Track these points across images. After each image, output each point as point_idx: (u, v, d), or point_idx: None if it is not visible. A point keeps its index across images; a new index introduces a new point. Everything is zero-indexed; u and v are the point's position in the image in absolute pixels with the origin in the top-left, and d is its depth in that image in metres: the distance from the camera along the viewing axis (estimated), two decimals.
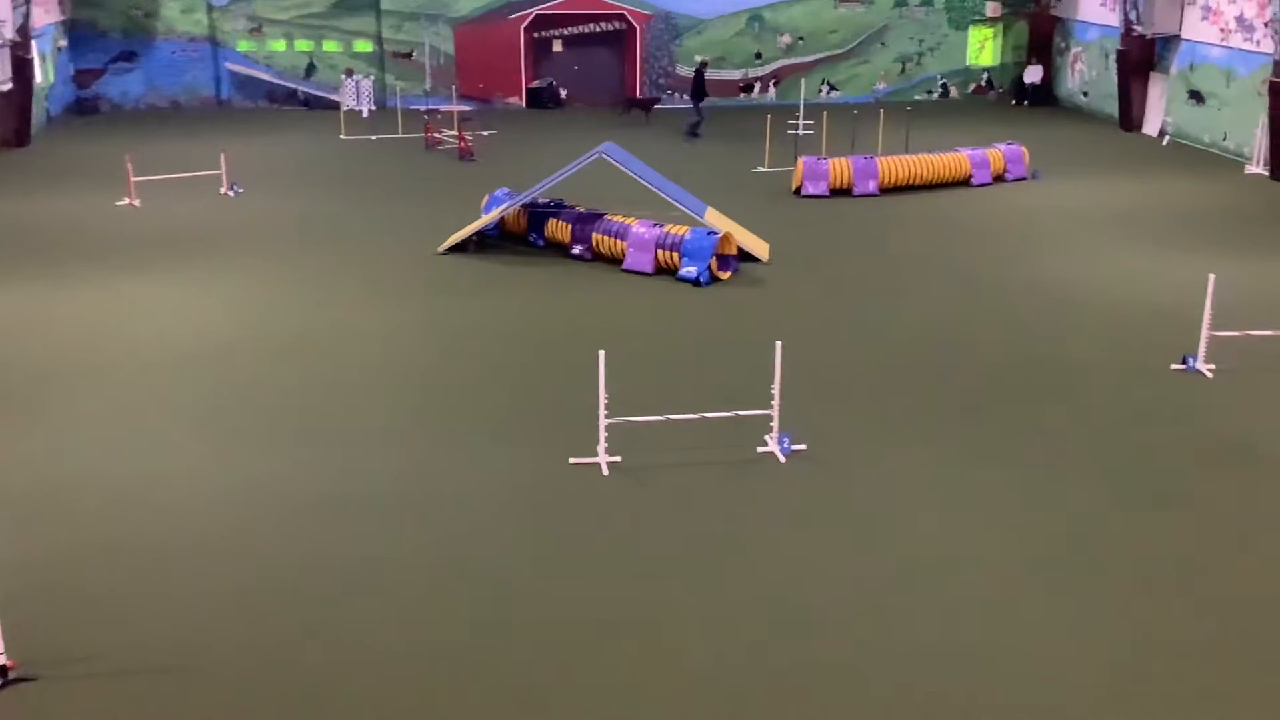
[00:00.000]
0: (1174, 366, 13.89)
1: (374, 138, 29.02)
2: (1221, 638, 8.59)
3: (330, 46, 33.51)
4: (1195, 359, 13.82)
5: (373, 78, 33.36)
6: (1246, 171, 25.62)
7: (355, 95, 32.92)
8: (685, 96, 31.68)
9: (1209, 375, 13.62)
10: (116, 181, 22.64)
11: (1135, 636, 8.59)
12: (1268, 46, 25.49)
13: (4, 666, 7.94)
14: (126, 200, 21.76)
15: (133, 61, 32.86)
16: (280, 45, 33.33)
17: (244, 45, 33.17)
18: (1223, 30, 27.48)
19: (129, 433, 11.93)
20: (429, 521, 10.21)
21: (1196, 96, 28.54)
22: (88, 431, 11.95)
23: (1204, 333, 13.74)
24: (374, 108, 32.97)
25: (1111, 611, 8.92)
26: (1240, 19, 26.82)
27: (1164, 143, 29.22)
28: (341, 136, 29.02)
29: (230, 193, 22.67)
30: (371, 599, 9.03)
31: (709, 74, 32.28)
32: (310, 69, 33.51)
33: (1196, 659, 8.33)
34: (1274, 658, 8.36)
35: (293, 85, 33.35)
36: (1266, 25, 25.71)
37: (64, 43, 31.71)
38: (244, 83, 33.36)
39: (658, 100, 28.94)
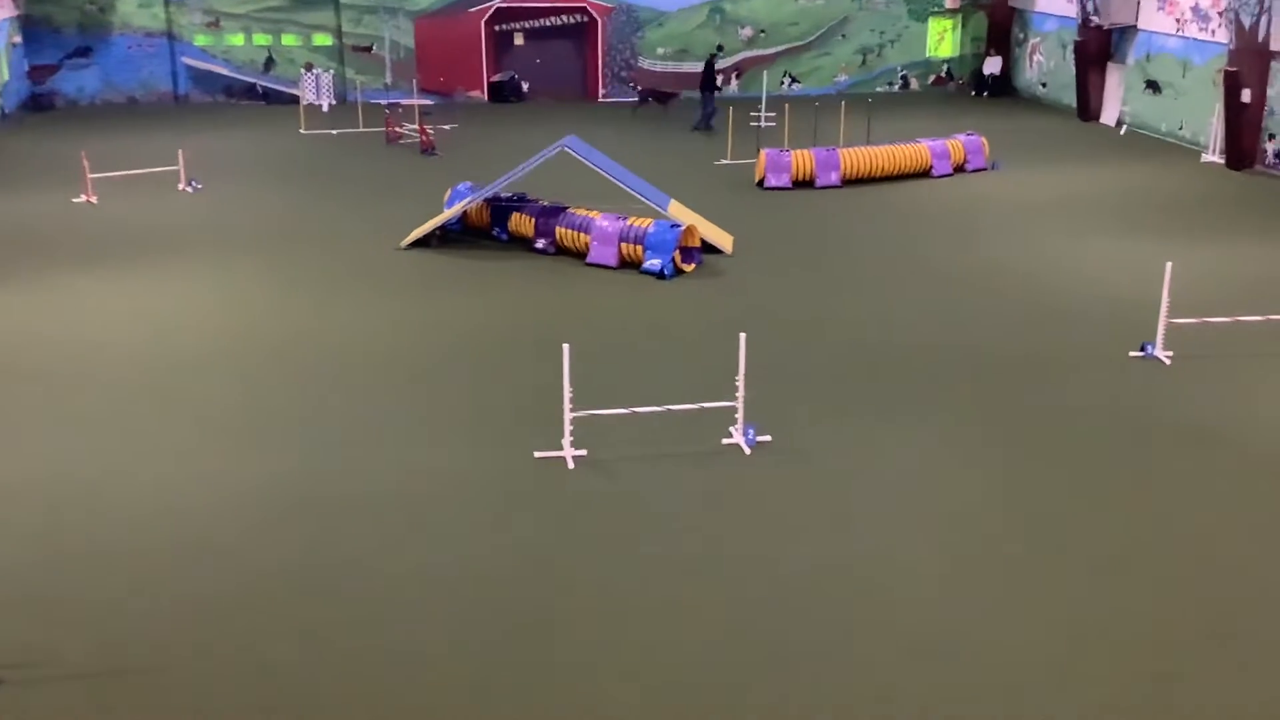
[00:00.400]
0: (1132, 354, 14.05)
1: (334, 132, 28.83)
2: (1178, 619, 8.71)
3: (289, 40, 33.24)
4: (1154, 346, 13.98)
5: (332, 72, 33.14)
6: (1203, 160, 25.93)
7: (315, 89, 32.68)
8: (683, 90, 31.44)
9: (1167, 362, 13.78)
10: (73, 178, 22.38)
11: (1092, 618, 8.69)
12: (1223, 36, 25.79)
13: None
14: (84, 197, 21.52)
15: (88, 57, 32.47)
16: (238, 39, 33.03)
17: (201, 40, 32.85)
18: (1179, 20, 27.78)
19: (84, 435, 11.80)
20: (393, 518, 10.18)
21: (1153, 86, 28.84)
22: (41, 434, 11.82)
23: (1162, 320, 13.90)
24: (334, 102, 32.76)
25: (1068, 595, 9.02)
26: (1196, 9, 27.12)
27: (1121, 132, 29.51)
28: (301, 131, 28.81)
29: (189, 189, 22.46)
30: (336, 599, 8.99)
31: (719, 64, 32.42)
32: (269, 63, 33.23)
33: (1154, 640, 8.44)
34: (1228, 638, 8.49)
35: (251, 80, 33.08)
36: (1221, 15, 26.02)
37: (18, 39, 31.27)
38: (202, 77, 33.05)
39: (675, 95, 28.66)
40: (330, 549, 9.65)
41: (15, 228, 19.73)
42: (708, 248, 18.31)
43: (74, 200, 21.50)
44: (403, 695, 7.87)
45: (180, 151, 23.00)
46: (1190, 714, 7.69)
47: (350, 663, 8.19)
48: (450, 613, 8.80)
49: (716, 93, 29.51)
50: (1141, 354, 14.00)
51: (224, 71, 32.93)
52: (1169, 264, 13.91)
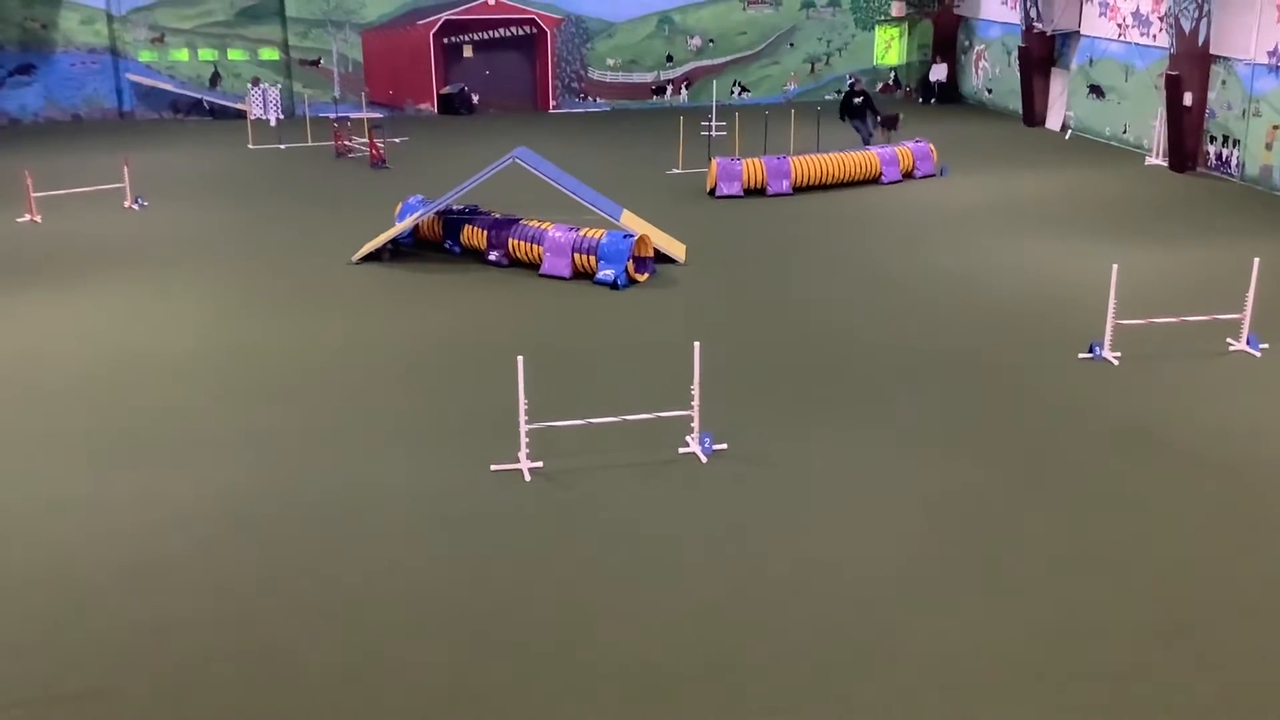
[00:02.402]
0: (1081, 355, 14.21)
1: (282, 146, 28.60)
2: (1131, 617, 8.80)
3: (235, 55, 32.95)
4: (1101, 347, 14.16)
5: (280, 86, 32.89)
6: (1147, 163, 26.31)
7: (262, 104, 32.41)
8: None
9: (1115, 363, 13.96)
10: (16, 197, 22.03)
11: (1047, 618, 8.77)
12: (1164, 41, 26.21)
13: None
14: (27, 216, 21.19)
15: (30, 74, 31.99)
16: (183, 55, 32.69)
17: (146, 55, 32.48)
18: (1120, 25, 28.20)
19: (24, 456, 11.58)
20: (348, 533, 10.08)
21: (1096, 91, 29.25)
22: None
23: (1109, 321, 14.07)
24: (282, 116, 32.51)
25: (1023, 595, 9.09)
26: (1136, 14, 27.53)
27: (1066, 136, 29.89)
28: (249, 146, 28.55)
29: (135, 206, 22.19)
30: (289, 615, 8.88)
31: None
32: (215, 78, 32.93)
33: (1098, 639, 8.53)
34: (1179, 634, 8.59)
35: (197, 95, 32.75)
36: (1162, 20, 26.43)
37: None
38: (147, 94, 32.68)
39: (898, 116, 27.62)
40: (282, 565, 9.54)
41: None
42: (661, 257, 18.33)
43: (18, 220, 21.17)
44: (359, 710, 7.79)
45: (125, 169, 22.72)
46: (1147, 710, 7.77)
47: (304, 679, 8.09)
48: (407, 627, 8.73)
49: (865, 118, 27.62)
50: (1090, 355, 14.17)
51: (169, 88, 32.57)
52: (1115, 266, 14.09)
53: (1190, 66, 24.71)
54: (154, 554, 9.71)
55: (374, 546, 9.89)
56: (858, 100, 27.55)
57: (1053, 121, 31.20)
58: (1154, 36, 26.89)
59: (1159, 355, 14.15)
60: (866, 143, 26.85)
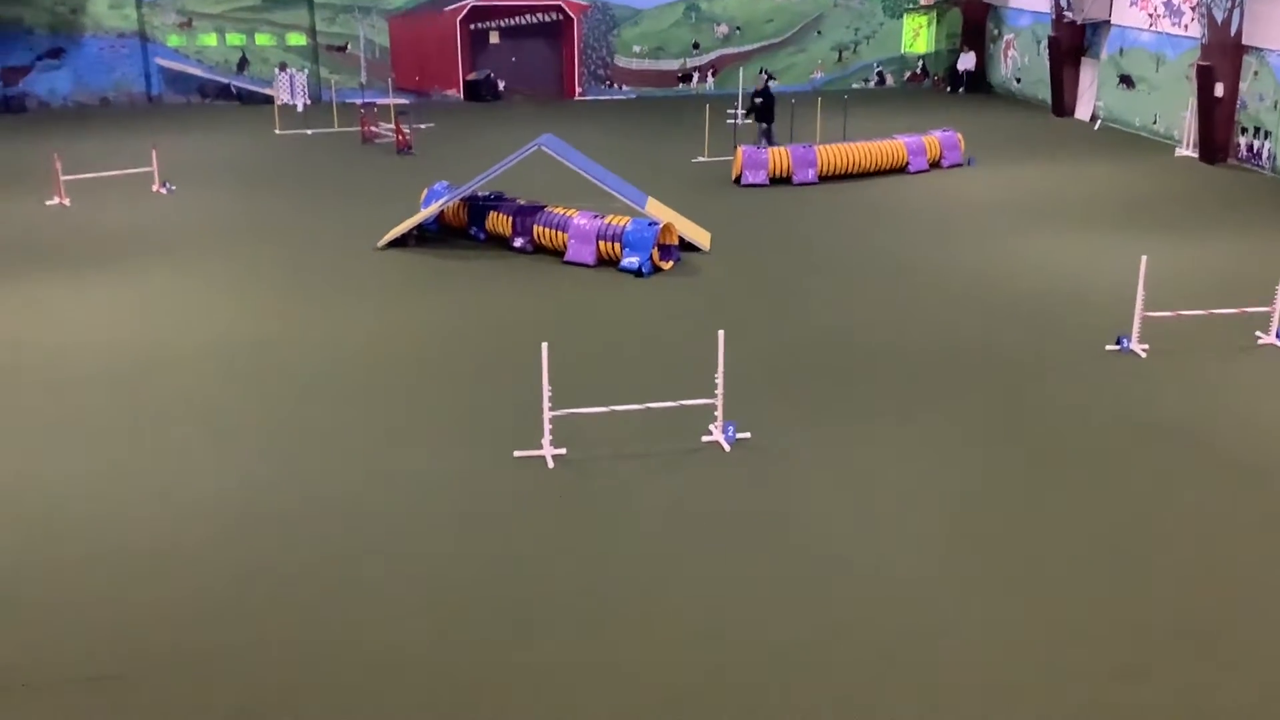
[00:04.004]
0: (1109, 347, 14.11)
1: (309, 132, 28.68)
2: (1146, 616, 8.74)
3: (263, 40, 33.06)
4: (1129, 340, 14.05)
5: (307, 71, 32.97)
6: (1177, 154, 26.08)
7: (290, 90, 32.51)
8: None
9: (1143, 355, 13.85)
10: (45, 181, 22.17)
11: (1063, 615, 8.72)
12: (1195, 31, 25.94)
13: None
14: (56, 200, 21.33)
15: (60, 58, 32.19)
16: (211, 40, 32.82)
17: (174, 40, 32.62)
18: (1151, 15, 27.93)
19: (52, 441, 11.68)
20: (372, 518, 10.12)
21: (1127, 81, 29.00)
22: (7, 440, 11.69)
23: (1138, 314, 13.96)
24: (309, 102, 32.59)
25: (1039, 590, 9.04)
26: (1168, 4, 27.26)
27: (1095, 127, 29.65)
28: (276, 131, 28.65)
29: (163, 190, 22.31)
30: (313, 601, 8.93)
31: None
32: (243, 63, 33.04)
33: (1123, 637, 8.47)
34: (1201, 634, 8.53)
35: (225, 80, 32.88)
36: (1194, 10, 26.17)
37: None
38: (175, 78, 32.83)
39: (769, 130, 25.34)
40: (305, 552, 9.59)
41: None
42: (685, 245, 18.30)
43: (47, 203, 21.31)
44: (380, 696, 7.83)
45: (154, 153, 22.83)
46: (1163, 709, 7.72)
47: (327, 665, 8.14)
48: (429, 613, 8.76)
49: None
50: (1118, 348, 14.07)
51: (197, 72, 32.71)
52: (1144, 258, 13.98)
53: (1222, 57, 24.46)
54: (176, 540, 9.77)
55: (396, 532, 9.92)
56: (758, 100, 25.24)
57: (1082, 112, 30.95)
58: (1185, 26, 26.62)
59: (1187, 348, 14.03)
60: (767, 144, 24.66)
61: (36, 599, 8.89)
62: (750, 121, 26.27)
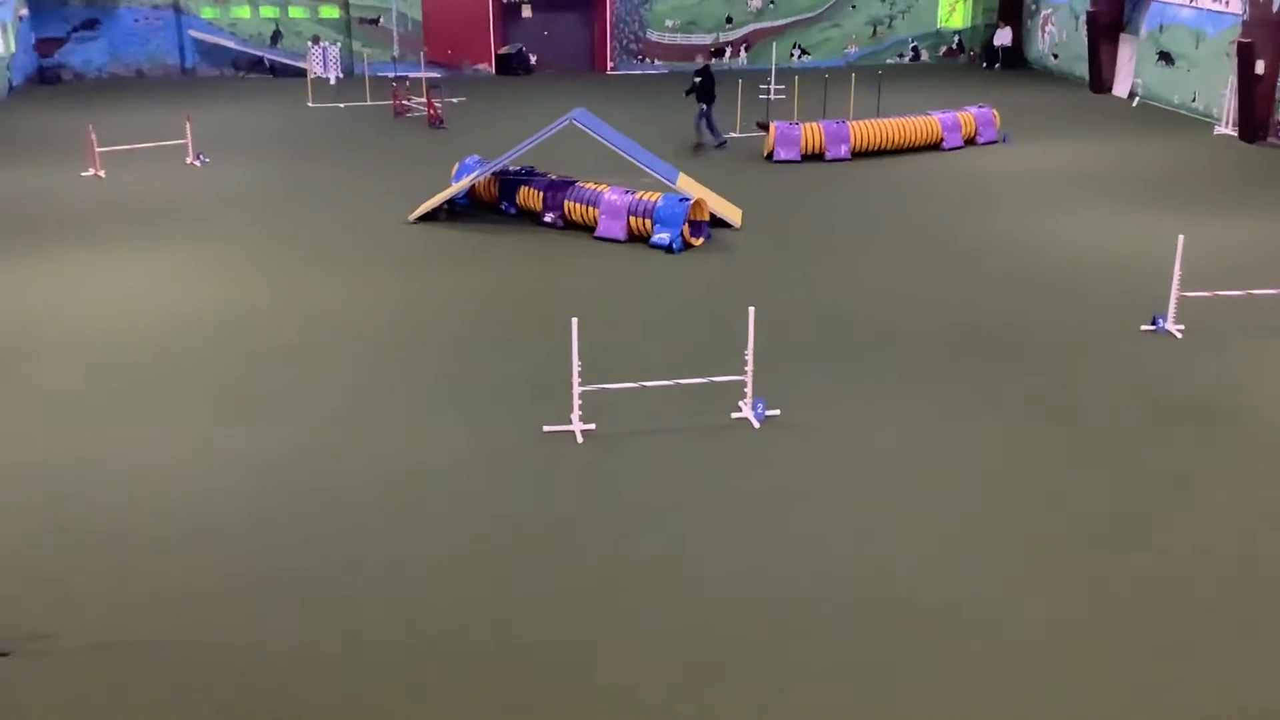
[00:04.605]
0: (1144, 327, 13.97)
1: (342, 105, 28.73)
2: (1176, 595, 8.68)
3: (296, 13, 33.08)
4: (1165, 319, 13.90)
5: (339, 45, 32.99)
6: (1216, 132, 25.73)
7: (322, 63, 32.55)
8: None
9: (1178, 336, 13.71)
10: (80, 152, 22.32)
11: (1093, 593, 8.67)
12: (1236, 7, 25.54)
13: None
14: (91, 171, 21.48)
15: (95, 30, 32.36)
16: (245, 12, 32.88)
17: (208, 12, 32.70)
18: None
19: (87, 411, 11.79)
20: (400, 491, 10.17)
21: (1166, 58, 28.60)
22: (46, 406, 11.82)
23: (1173, 293, 13.81)
24: (341, 75, 32.63)
25: (1070, 568, 8.99)
26: None
27: (1134, 104, 29.29)
28: (309, 104, 28.71)
29: (197, 162, 22.42)
30: (342, 572, 8.99)
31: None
32: (276, 36, 33.09)
33: (1151, 616, 8.41)
34: (1224, 614, 8.46)
35: (259, 53, 32.95)
36: None
37: (25, 12, 31.17)
38: (209, 51, 32.93)
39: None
40: (335, 522, 9.65)
41: (23, 202, 19.71)
42: (716, 221, 18.23)
43: (82, 174, 21.46)
44: (407, 666, 7.88)
45: (188, 125, 22.93)
46: (1200, 688, 7.67)
47: (355, 635, 8.20)
48: (456, 585, 8.80)
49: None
50: (1153, 328, 13.93)
51: (231, 45, 32.80)
52: (1181, 237, 13.81)
53: (1263, 34, 24.06)
54: (209, 512, 9.86)
55: (425, 505, 9.97)
56: (697, 80, 23.68)
57: (1120, 89, 30.56)
58: (1226, 3, 26.20)
59: (1224, 329, 13.87)
60: (706, 127, 23.63)
61: (75, 568, 8.99)
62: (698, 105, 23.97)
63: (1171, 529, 9.61)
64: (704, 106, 23.83)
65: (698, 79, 23.82)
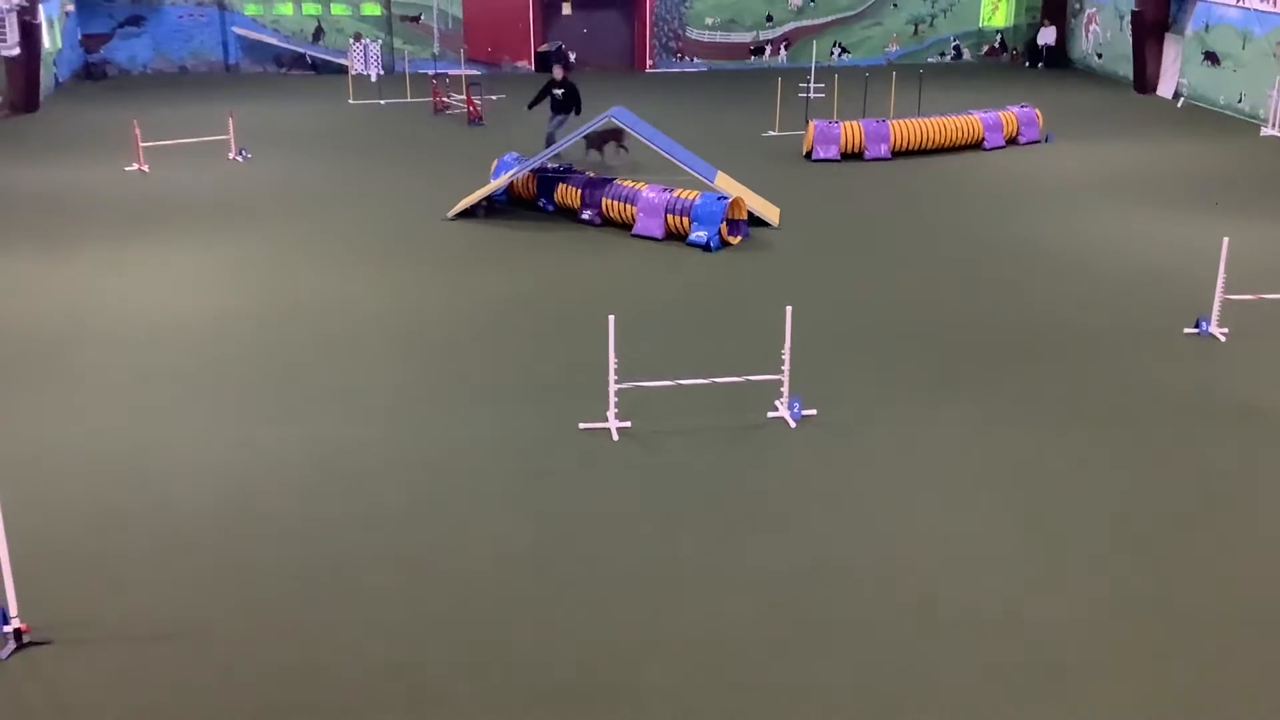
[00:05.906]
0: (1187, 330, 13.81)
1: (382, 102, 28.90)
2: (1216, 603, 8.56)
3: (338, 10, 33.29)
4: (1208, 322, 13.74)
5: (380, 42, 33.18)
6: (1262, 134, 25.39)
7: (363, 60, 32.74)
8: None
9: (1222, 339, 13.54)
10: (125, 147, 22.58)
11: (1132, 597, 8.57)
12: None
13: (19, 630, 7.99)
14: (135, 166, 21.72)
15: (140, 26, 32.72)
16: (288, 9, 33.13)
17: (251, 9, 32.98)
18: None
19: (133, 400, 11.92)
20: (436, 486, 10.21)
21: (1212, 58, 28.25)
22: (93, 399, 11.96)
23: (1217, 296, 13.64)
24: (382, 72, 32.81)
25: (1110, 572, 8.89)
26: None
27: (1179, 105, 28.95)
28: (350, 101, 28.90)
29: (239, 158, 22.61)
30: (378, 563, 9.04)
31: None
32: (318, 33, 33.32)
33: (1190, 623, 8.30)
34: (1265, 624, 8.37)
35: (301, 50, 33.19)
36: None
37: (71, 7, 31.55)
38: (252, 47, 33.20)
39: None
40: (370, 516, 9.70)
41: (68, 196, 19.96)
42: (755, 220, 18.18)
43: (126, 169, 21.71)
44: (441, 660, 7.90)
45: (230, 120, 23.14)
46: (1247, 692, 7.57)
47: (391, 626, 8.23)
48: (490, 581, 8.82)
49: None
50: (1196, 331, 13.76)
51: (274, 41, 33.06)
52: (1225, 239, 13.64)
53: None
54: (248, 501, 9.94)
55: (460, 500, 10.00)
56: (557, 93, 21.89)
57: (1165, 89, 30.22)
58: (1274, 2, 25.84)
59: (1269, 332, 13.68)
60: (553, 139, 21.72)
61: (114, 555, 9.09)
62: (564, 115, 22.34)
63: (1217, 537, 9.48)
64: (560, 117, 22.14)
65: (559, 91, 21.94)
